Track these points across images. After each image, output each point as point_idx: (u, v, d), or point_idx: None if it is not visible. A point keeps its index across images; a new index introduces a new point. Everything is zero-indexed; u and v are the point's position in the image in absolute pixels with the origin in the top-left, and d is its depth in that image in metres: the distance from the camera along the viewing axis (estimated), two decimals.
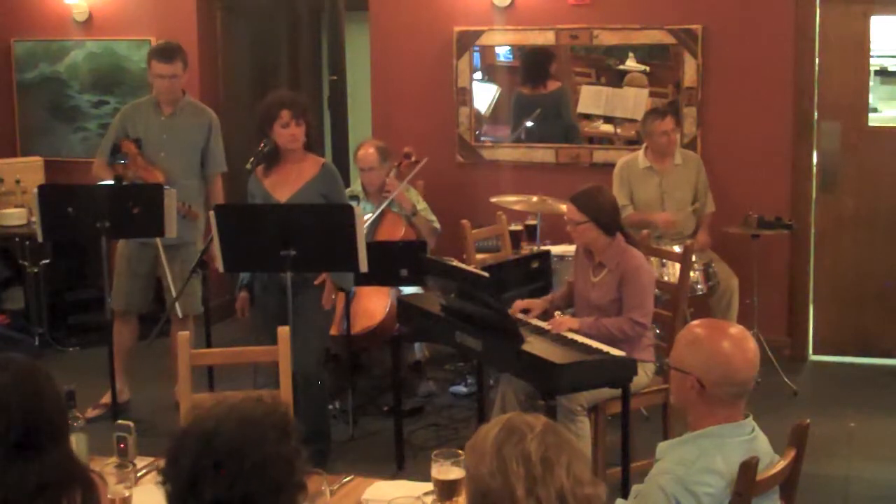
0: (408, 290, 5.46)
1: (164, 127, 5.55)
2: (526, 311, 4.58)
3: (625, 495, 2.87)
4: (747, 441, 2.55)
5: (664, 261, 5.42)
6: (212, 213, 4.50)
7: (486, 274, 4.15)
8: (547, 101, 6.68)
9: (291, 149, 4.73)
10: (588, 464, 1.97)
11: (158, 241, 5.30)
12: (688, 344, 2.60)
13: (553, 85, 6.65)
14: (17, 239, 6.69)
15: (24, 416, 2.15)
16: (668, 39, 6.36)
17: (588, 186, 4.54)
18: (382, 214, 5.80)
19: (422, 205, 5.99)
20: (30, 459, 2.14)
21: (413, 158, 6.03)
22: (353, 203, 5.03)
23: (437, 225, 5.98)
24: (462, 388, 5.84)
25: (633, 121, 6.49)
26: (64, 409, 2.27)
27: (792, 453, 2.65)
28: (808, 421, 2.70)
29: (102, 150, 5.62)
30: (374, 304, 5.56)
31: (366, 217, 5.71)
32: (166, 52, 5.52)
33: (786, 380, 5.82)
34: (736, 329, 2.63)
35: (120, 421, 3.09)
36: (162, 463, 1.95)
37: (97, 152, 5.75)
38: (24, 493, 2.12)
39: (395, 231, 5.75)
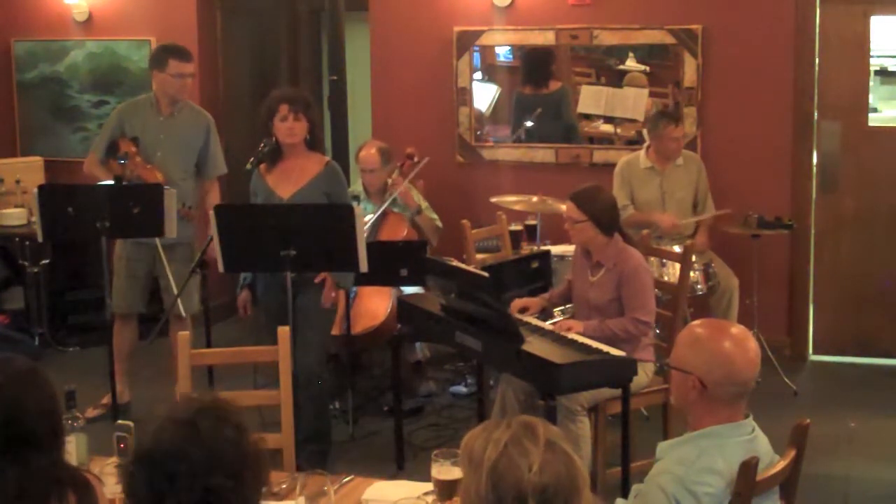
0: (409, 289, 5.46)
1: (162, 127, 5.54)
2: (523, 310, 4.59)
3: (625, 495, 2.87)
4: (747, 441, 2.55)
5: (664, 261, 5.42)
6: (212, 212, 4.50)
7: (486, 274, 4.15)
8: (548, 100, 6.68)
9: (291, 144, 4.73)
10: (586, 482, 1.94)
11: (157, 240, 5.29)
12: (689, 344, 2.59)
13: (555, 85, 6.65)
14: (17, 239, 6.69)
15: (5, 420, 2.14)
16: (668, 39, 6.36)
17: (588, 185, 4.54)
18: (385, 214, 5.80)
19: (424, 203, 5.99)
20: (11, 463, 2.13)
21: (416, 159, 6.02)
22: (354, 203, 5.03)
23: (439, 223, 5.99)
24: (462, 388, 5.84)
25: (633, 121, 6.50)
26: (51, 417, 2.24)
27: (792, 453, 2.65)
28: (808, 421, 2.70)
29: (97, 147, 5.61)
30: (377, 305, 5.55)
31: (367, 218, 5.71)
32: (185, 52, 5.55)
33: (786, 380, 5.82)
34: (737, 329, 2.63)
35: (120, 421, 3.08)
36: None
37: (91, 148, 5.74)
38: (4, 498, 2.12)
39: (398, 231, 5.75)
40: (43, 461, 2.18)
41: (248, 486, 1.94)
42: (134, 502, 1.92)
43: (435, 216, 6.00)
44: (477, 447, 1.94)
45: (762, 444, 2.60)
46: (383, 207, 5.76)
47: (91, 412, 5.30)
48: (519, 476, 1.87)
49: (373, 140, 6.25)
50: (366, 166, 5.89)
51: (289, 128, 4.70)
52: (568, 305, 4.81)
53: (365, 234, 5.53)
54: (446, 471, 2.63)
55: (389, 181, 5.91)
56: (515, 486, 1.86)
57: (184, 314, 5.26)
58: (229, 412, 1.98)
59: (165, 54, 5.54)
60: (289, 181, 4.75)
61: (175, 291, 5.22)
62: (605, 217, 4.40)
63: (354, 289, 5.36)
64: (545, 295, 4.77)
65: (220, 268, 4.52)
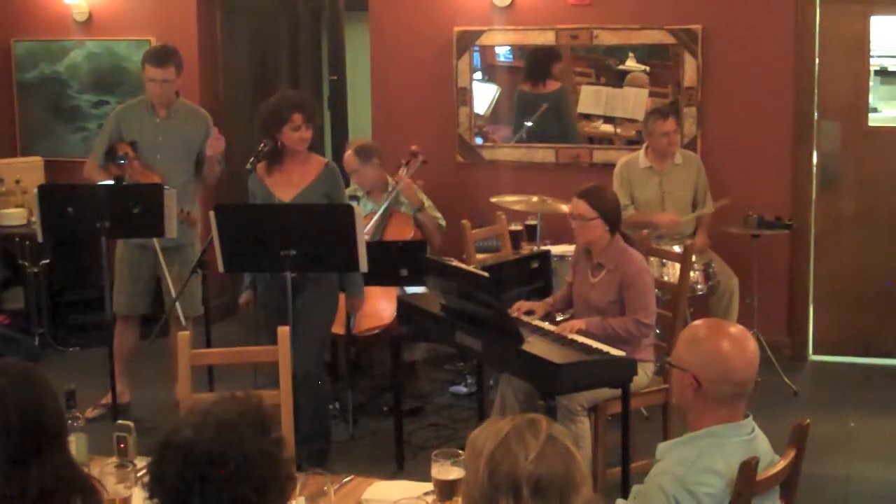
0: (413, 290, 5.44)
1: (159, 129, 5.52)
2: (529, 312, 4.58)
3: (625, 495, 2.88)
4: (747, 441, 2.55)
5: (664, 261, 5.42)
6: (212, 212, 4.50)
7: (486, 274, 4.15)
8: (548, 100, 6.68)
9: (298, 150, 4.73)
10: (585, 479, 1.94)
11: (156, 243, 5.28)
12: (688, 342, 2.60)
13: (553, 85, 6.64)
14: (17, 239, 6.69)
15: (23, 421, 2.14)
16: (668, 39, 6.36)
17: (594, 184, 4.56)
18: (390, 213, 5.79)
19: (427, 202, 5.98)
20: (30, 466, 2.13)
21: (420, 157, 6.00)
22: (353, 203, 5.03)
23: (442, 222, 5.99)
24: (462, 388, 5.84)
25: (633, 121, 6.49)
26: (62, 415, 2.25)
27: (792, 453, 2.65)
28: (808, 421, 2.70)
29: (96, 152, 5.58)
30: (383, 306, 5.53)
31: (365, 215, 5.70)
32: (159, 56, 5.45)
33: (786, 380, 5.82)
34: (736, 329, 2.63)
35: (120, 421, 3.08)
36: (146, 479, 1.94)
37: (91, 153, 5.72)
38: (26, 501, 2.11)
39: (405, 231, 5.73)
40: (58, 460, 2.17)
41: (271, 502, 1.93)
42: (159, 485, 1.90)
43: (438, 215, 5.99)
44: (480, 439, 1.96)
45: (762, 444, 2.60)
46: (384, 204, 5.74)
47: (91, 412, 5.30)
48: (514, 463, 1.88)
49: (354, 140, 6.24)
50: (347, 168, 5.88)
51: (301, 137, 4.69)
52: (570, 310, 4.80)
53: (370, 233, 5.57)
54: (446, 471, 2.63)
55: (391, 179, 5.89)
56: (510, 473, 1.88)
57: (183, 321, 5.22)
58: (272, 423, 1.97)
59: (143, 58, 5.52)
60: (289, 184, 4.74)
61: (174, 295, 5.21)
62: (613, 214, 4.44)
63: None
64: (548, 300, 4.76)
65: (220, 268, 4.52)
